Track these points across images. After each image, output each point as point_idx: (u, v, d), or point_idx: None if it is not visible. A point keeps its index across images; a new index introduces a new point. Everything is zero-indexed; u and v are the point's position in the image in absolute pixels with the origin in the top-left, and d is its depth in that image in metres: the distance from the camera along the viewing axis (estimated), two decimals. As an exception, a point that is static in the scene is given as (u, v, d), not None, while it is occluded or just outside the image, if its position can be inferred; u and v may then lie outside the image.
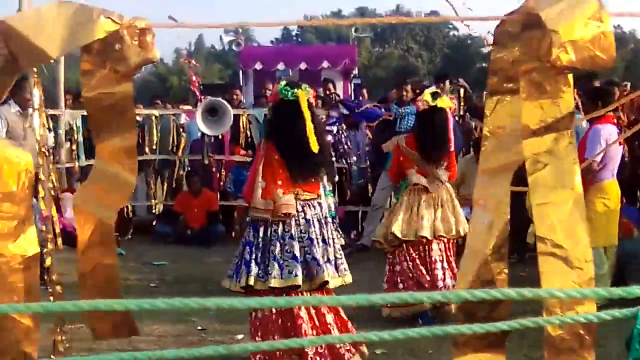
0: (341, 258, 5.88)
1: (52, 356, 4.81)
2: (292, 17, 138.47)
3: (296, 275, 5.48)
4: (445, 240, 7.42)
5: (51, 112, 10.70)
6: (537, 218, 2.96)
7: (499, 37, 3.15)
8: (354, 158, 11.86)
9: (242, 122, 12.15)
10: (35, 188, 9.66)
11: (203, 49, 66.21)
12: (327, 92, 13.12)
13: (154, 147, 12.47)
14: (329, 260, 5.70)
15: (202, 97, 12.32)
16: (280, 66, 19.42)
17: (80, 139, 11.99)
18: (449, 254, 7.47)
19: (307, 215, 5.67)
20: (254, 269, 5.52)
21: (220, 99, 11.50)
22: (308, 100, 5.70)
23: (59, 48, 2.80)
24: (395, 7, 75.97)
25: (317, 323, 5.68)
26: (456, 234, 7.41)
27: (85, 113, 12.25)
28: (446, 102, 7.48)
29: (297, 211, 5.62)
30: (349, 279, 5.84)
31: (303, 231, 5.63)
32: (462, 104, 11.60)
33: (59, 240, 6.95)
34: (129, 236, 11.99)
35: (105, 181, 3.13)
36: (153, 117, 12.36)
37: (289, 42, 69.12)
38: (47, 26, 2.79)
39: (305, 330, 5.56)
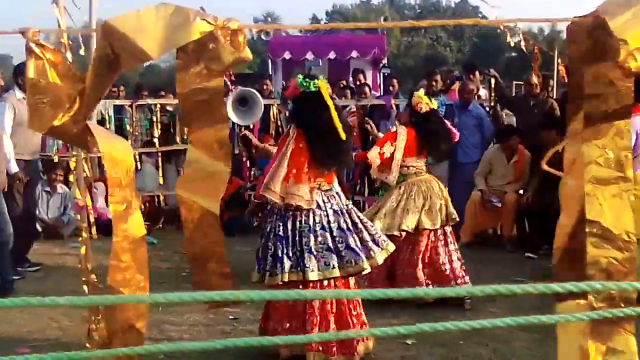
0: (377, 232, 5.93)
1: (87, 345, 4.86)
2: (321, 6, 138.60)
3: (333, 267, 5.55)
4: (433, 231, 7.57)
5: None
6: (588, 202, 3.08)
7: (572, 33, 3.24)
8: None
9: (272, 112, 12.21)
10: (68, 177, 9.77)
11: (232, 38, 66.30)
12: (357, 83, 13.14)
13: (185, 136, 12.52)
14: (364, 244, 5.72)
15: (233, 87, 12.35)
16: (309, 56, 19.38)
17: (112, 128, 12.08)
18: (439, 244, 7.58)
19: (334, 206, 5.74)
20: (287, 263, 5.53)
21: (250, 89, 11.53)
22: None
23: (159, 48, 2.93)
24: (424, -5, 75.76)
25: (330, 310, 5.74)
26: (441, 222, 7.56)
27: (116, 102, 12.46)
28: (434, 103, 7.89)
29: (324, 202, 5.70)
30: (391, 247, 5.89)
31: (333, 221, 5.67)
32: (492, 94, 11.57)
33: (93, 230, 7.04)
34: (160, 225, 12.09)
35: (201, 171, 3.25)
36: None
37: (318, 32, 69.21)
38: (147, 27, 2.91)
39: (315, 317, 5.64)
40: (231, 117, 11.45)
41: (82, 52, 5.26)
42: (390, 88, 12.92)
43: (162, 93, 13.71)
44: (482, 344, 6.26)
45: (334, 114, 5.64)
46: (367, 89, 12.63)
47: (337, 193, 5.87)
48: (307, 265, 5.51)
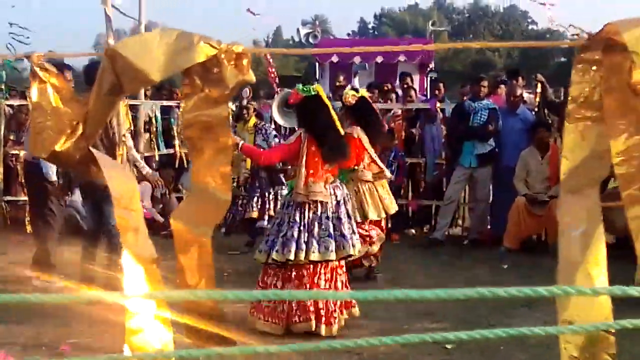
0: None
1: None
2: (369, 9, 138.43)
3: (331, 251, 6.59)
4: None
5: (131, 102, 10.90)
6: (635, 231, 3.01)
7: (580, 63, 3.13)
8: (430, 152, 11.84)
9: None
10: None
11: (280, 41, 66.54)
12: (404, 86, 13.12)
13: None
14: (353, 232, 6.87)
15: (279, 89, 12.39)
16: (357, 59, 19.33)
17: (160, 129, 12.20)
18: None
19: (337, 197, 6.80)
20: (294, 246, 6.53)
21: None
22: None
23: (162, 71, 2.94)
24: (472, 0, 75.28)
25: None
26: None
27: (164, 103, 12.57)
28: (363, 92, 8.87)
29: (330, 194, 6.75)
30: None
31: (334, 211, 6.75)
32: (539, 99, 11.47)
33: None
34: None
35: (201, 199, 3.25)
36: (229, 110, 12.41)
37: (365, 35, 69.12)
38: (150, 51, 2.93)
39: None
40: (276, 119, 11.47)
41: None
42: (436, 92, 12.88)
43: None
44: (523, 350, 6.20)
45: (332, 112, 6.86)
46: (413, 92, 12.59)
47: (339, 184, 6.99)
48: (311, 249, 6.55)
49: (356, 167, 8.33)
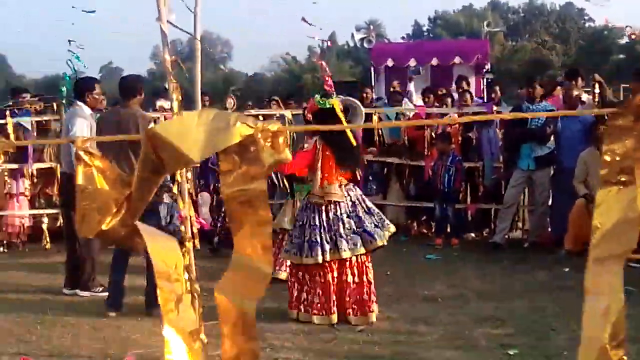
0: (379, 214, 7.49)
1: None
2: (423, 12, 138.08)
3: (360, 246, 7.13)
4: None
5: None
6: None
7: (611, 131, 3.13)
8: (488, 155, 11.78)
9: (374, 121, 12.18)
10: (172, 188, 9.84)
11: (335, 46, 66.74)
12: (460, 90, 13.08)
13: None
14: (377, 226, 7.29)
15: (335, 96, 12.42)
16: (412, 62, 19.28)
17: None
18: None
19: (352, 198, 7.30)
20: (326, 246, 7.08)
21: (352, 98, 11.58)
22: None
23: (201, 152, 3.03)
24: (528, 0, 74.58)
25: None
26: None
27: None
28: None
29: (345, 196, 7.26)
30: (392, 228, 7.44)
31: (353, 210, 7.25)
32: (596, 100, 11.33)
33: (196, 241, 7.21)
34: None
35: (243, 271, 3.30)
36: (287, 119, 12.46)
37: (420, 38, 68.86)
38: (189, 132, 3.03)
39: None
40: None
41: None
42: (492, 95, 12.83)
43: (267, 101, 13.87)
44: (587, 355, 6.12)
45: (345, 124, 7.31)
46: (468, 96, 12.53)
47: (353, 186, 7.46)
48: (340, 247, 7.08)
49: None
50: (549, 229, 11.20)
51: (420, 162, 12.11)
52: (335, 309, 7.17)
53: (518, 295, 8.16)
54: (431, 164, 11.71)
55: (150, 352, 6.26)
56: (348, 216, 7.20)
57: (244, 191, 3.12)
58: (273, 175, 10.76)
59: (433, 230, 12.20)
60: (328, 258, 7.08)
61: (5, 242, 11.97)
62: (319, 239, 7.11)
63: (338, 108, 7.31)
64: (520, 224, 12.23)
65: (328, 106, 7.32)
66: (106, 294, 8.00)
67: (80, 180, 3.31)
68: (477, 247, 11.24)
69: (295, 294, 7.34)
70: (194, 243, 5.84)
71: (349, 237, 7.13)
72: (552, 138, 10.76)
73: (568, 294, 7.94)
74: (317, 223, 7.19)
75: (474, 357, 6.16)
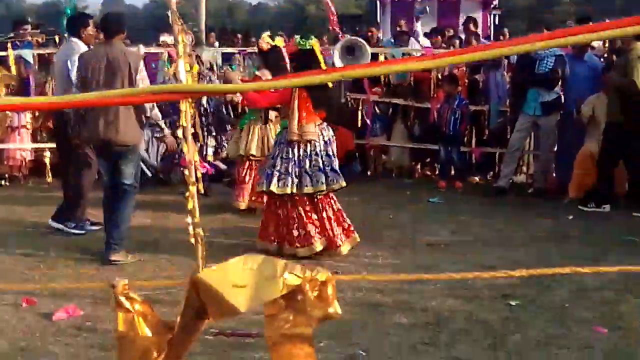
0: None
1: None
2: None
3: (322, 183, 7.43)
4: None
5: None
6: None
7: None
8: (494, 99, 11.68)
9: (380, 60, 12.02)
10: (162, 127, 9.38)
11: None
12: (469, 31, 12.93)
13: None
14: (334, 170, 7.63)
15: (342, 35, 12.31)
16: (417, -5, 18.99)
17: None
18: None
19: (324, 137, 7.56)
20: (290, 180, 7.41)
21: (358, 38, 11.43)
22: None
23: (246, 303, 2.92)
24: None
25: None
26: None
27: (225, 50, 12.57)
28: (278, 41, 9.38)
29: (318, 135, 7.50)
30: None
31: (323, 149, 7.51)
32: (607, 45, 11.21)
33: (200, 185, 7.11)
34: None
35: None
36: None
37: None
38: (234, 281, 2.91)
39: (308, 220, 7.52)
40: (337, 65, 11.44)
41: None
42: (501, 37, 12.68)
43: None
44: (588, 308, 6.12)
45: (324, 66, 7.56)
46: (474, 38, 12.37)
47: (326, 126, 7.66)
48: (304, 182, 7.43)
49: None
50: (554, 175, 11.15)
51: (425, 104, 12.00)
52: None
53: (522, 244, 8.13)
54: (437, 106, 11.60)
55: (157, 293, 6.23)
56: (317, 154, 7.48)
57: (289, 336, 3.05)
58: (223, 108, 10.87)
59: (437, 172, 12.19)
60: (289, 191, 7.42)
61: (7, 175, 11.89)
62: (289, 170, 7.46)
63: (318, 49, 7.61)
64: (524, 168, 12.18)
65: (308, 47, 7.59)
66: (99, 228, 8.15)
67: (121, 326, 3.21)
68: (481, 191, 11.22)
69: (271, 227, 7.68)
70: (197, 188, 5.79)
71: (313, 174, 7.45)
72: (559, 83, 10.64)
73: (572, 244, 7.99)
74: (291, 156, 7.49)
75: (476, 307, 6.16)
